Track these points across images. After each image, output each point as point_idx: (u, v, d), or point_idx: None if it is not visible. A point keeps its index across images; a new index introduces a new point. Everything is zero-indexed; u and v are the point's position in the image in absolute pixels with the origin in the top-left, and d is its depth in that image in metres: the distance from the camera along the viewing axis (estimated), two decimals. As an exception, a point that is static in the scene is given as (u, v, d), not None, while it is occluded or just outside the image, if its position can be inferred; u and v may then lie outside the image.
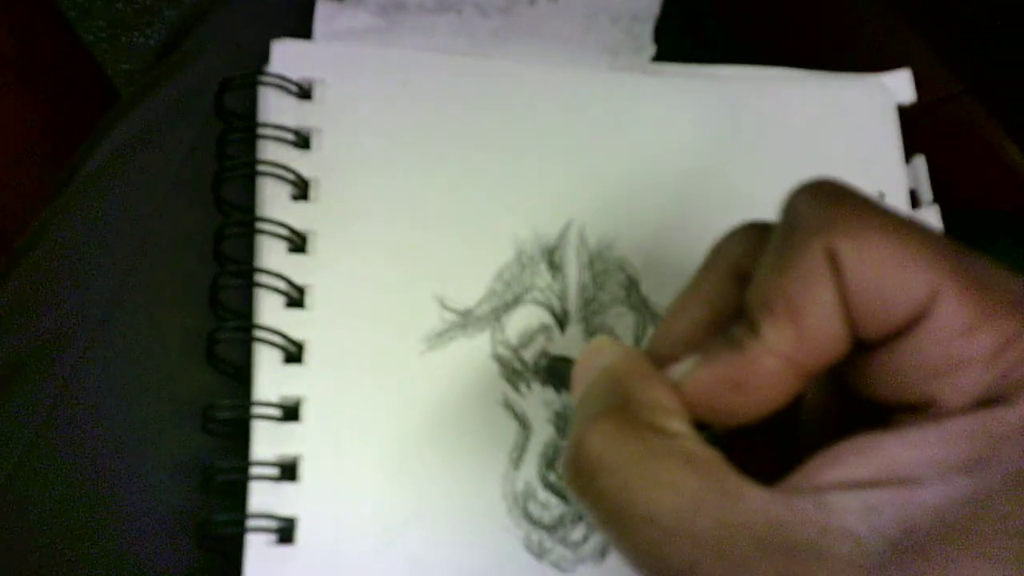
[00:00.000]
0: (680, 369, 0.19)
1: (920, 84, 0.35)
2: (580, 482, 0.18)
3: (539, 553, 0.28)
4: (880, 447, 0.17)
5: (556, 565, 0.28)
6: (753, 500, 0.16)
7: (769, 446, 0.20)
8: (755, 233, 0.20)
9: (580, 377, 0.20)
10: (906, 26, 0.37)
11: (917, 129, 0.35)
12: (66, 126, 0.56)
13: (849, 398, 0.19)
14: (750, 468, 0.17)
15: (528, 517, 0.28)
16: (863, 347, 0.18)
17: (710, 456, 0.17)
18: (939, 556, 0.15)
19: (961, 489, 0.16)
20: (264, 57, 0.31)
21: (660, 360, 0.20)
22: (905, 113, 0.34)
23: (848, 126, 0.34)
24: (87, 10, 0.88)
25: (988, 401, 0.16)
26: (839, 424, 0.18)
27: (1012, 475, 0.16)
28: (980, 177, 0.37)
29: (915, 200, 0.33)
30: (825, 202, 0.18)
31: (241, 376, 0.28)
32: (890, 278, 0.17)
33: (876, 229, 0.17)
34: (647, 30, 0.34)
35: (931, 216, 0.33)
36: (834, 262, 0.17)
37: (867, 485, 0.16)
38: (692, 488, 0.17)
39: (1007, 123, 0.37)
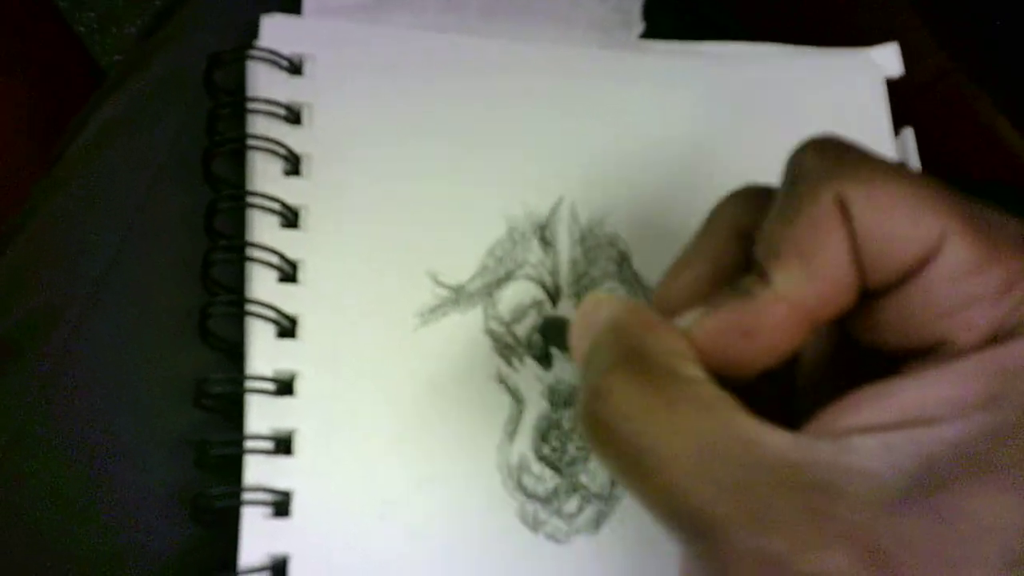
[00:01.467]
0: (688, 318, 0.19)
1: (914, 61, 0.35)
2: (598, 432, 0.18)
3: (534, 525, 0.28)
4: (897, 392, 0.17)
5: (551, 536, 0.28)
6: (772, 443, 0.16)
7: (767, 403, 0.20)
8: (756, 193, 0.21)
9: (581, 333, 0.20)
10: (901, 3, 0.37)
11: (910, 106, 0.35)
12: (59, 117, 0.56)
13: (852, 351, 0.19)
14: None
15: (523, 489, 0.28)
16: (870, 295, 0.18)
17: (727, 401, 0.17)
18: (959, 488, 0.15)
19: (979, 424, 0.16)
20: (252, 34, 0.30)
21: (663, 314, 0.20)
22: (894, 86, 0.34)
23: (836, 100, 0.34)
24: (78, 1, 0.88)
25: (999, 337, 0.17)
26: (841, 378, 0.18)
27: None
28: (972, 152, 0.37)
29: (904, 171, 0.34)
30: (833, 153, 0.18)
31: (234, 353, 0.28)
32: (900, 221, 0.17)
33: (884, 175, 0.18)
34: (635, 8, 0.34)
35: (920, 188, 0.33)
36: (844, 208, 0.17)
37: (887, 428, 0.16)
38: (711, 432, 0.17)
39: (999, 100, 0.37)
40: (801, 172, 0.19)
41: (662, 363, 0.18)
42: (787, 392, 0.21)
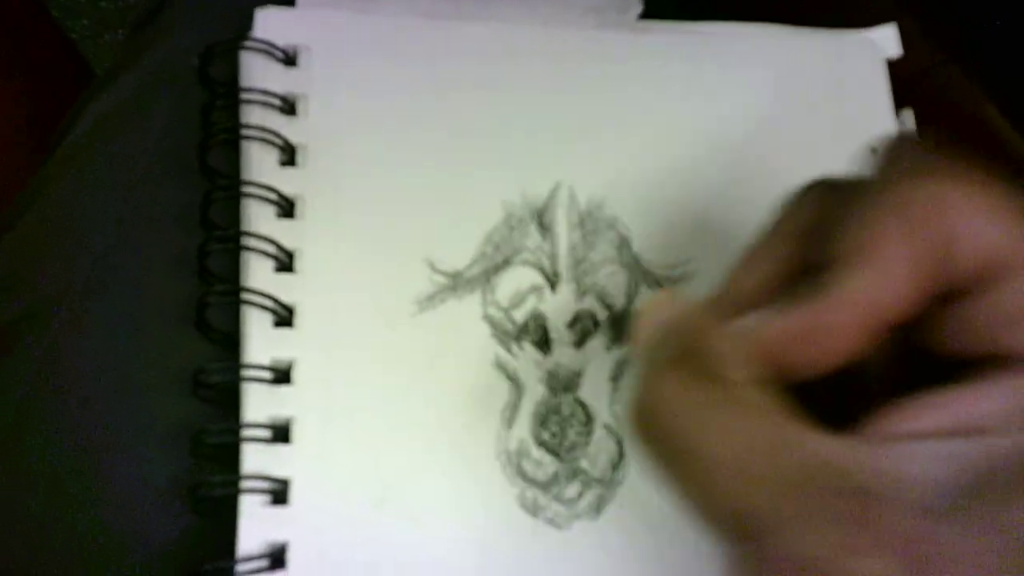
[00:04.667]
0: (756, 318, 0.19)
1: (904, 52, 0.35)
2: (645, 426, 0.18)
3: (534, 510, 0.28)
4: (953, 400, 0.17)
5: (551, 522, 0.28)
6: (817, 447, 0.16)
7: (826, 403, 0.20)
8: (828, 190, 0.21)
9: (642, 330, 0.20)
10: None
11: (900, 96, 0.35)
12: (56, 119, 0.56)
13: (913, 354, 0.19)
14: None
15: (522, 475, 0.28)
16: (940, 300, 0.18)
17: (772, 404, 0.17)
18: (1006, 499, 0.15)
19: None
20: (243, 27, 0.30)
21: (727, 311, 0.20)
22: (891, 68, 0.34)
23: (837, 80, 0.34)
24: (71, 9, 0.88)
25: None
26: (896, 380, 0.18)
27: None
28: (964, 143, 0.37)
29: (902, 153, 0.34)
30: (929, 152, 0.18)
31: (231, 344, 0.28)
32: (993, 227, 0.17)
33: (981, 177, 0.17)
34: (634, -11, 0.34)
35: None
36: (937, 210, 0.17)
37: (941, 435, 0.16)
38: (756, 435, 0.17)
39: (988, 90, 0.37)
40: (893, 170, 0.18)
41: (713, 365, 0.18)
42: (847, 393, 0.21)
